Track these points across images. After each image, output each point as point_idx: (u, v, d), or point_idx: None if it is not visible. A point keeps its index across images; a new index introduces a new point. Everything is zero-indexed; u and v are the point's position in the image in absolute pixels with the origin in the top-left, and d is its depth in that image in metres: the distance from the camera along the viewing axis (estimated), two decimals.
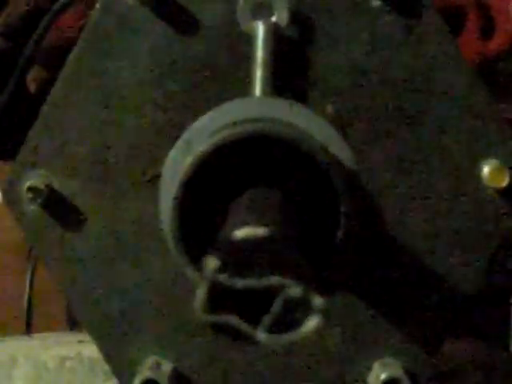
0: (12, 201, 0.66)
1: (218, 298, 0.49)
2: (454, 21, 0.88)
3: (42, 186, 0.65)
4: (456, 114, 0.66)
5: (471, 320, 0.91)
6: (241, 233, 0.50)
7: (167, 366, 0.67)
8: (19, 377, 0.85)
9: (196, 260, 0.57)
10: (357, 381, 0.67)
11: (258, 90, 0.64)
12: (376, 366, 0.67)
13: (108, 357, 0.68)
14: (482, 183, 0.66)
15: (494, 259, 0.67)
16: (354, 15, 0.65)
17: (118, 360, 0.67)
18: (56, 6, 0.83)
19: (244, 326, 0.49)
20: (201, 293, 0.49)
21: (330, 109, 0.65)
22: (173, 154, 0.65)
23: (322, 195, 0.59)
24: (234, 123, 0.61)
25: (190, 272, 0.59)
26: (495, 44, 0.89)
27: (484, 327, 0.96)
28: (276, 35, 0.64)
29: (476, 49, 0.89)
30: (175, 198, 0.59)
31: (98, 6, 0.66)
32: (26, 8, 0.88)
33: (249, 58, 0.64)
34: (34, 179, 0.66)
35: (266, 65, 0.64)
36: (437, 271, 0.66)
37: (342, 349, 0.67)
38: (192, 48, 0.65)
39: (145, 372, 0.65)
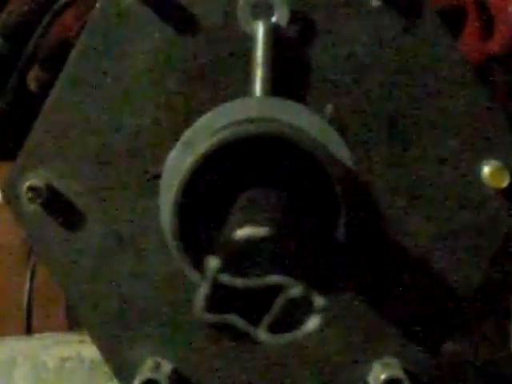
0: (12, 201, 0.66)
1: (219, 297, 0.49)
2: (454, 21, 0.88)
3: (42, 186, 0.66)
4: (456, 114, 0.66)
5: (471, 320, 0.91)
6: (242, 232, 0.50)
7: (167, 367, 0.67)
8: (19, 377, 0.85)
9: (196, 260, 0.58)
10: (357, 381, 0.67)
11: (257, 90, 0.64)
12: (376, 366, 0.67)
13: (108, 357, 0.68)
14: (482, 183, 0.66)
15: (494, 259, 0.67)
16: (354, 15, 0.65)
17: (118, 360, 0.67)
18: (56, 6, 0.83)
19: (245, 326, 0.49)
20: (202, 292, 0.49)
21: (329, 109, 0.65)
22: (173, 153, 0.65)
23: (322, 195, 0.59)
24: (234, 123, 0.61)
25: (190, 272, 0.59)
26: (495, 44, 0.89)
27: (484, 327, 0.96)
28: (276, 35, 0.64)
29: (476, 49, 0.89)
30: (175, 198, 0.59)
31: (97, 5, 0.66)
32: (26, 8, 0.88)
33: (249, 57, 0.64)
34: (33, 179, 0.66)
35: (266, 65, 0.64)
36: (437, 271, 0.66)
37: (342, 349, 0.67)
38: (192, 48, 0.65)
39: (145, 372, 0.65)
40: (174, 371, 0.67)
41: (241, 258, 0.49)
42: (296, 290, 0.48)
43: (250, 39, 0.64)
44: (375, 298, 0.66)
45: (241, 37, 0.65)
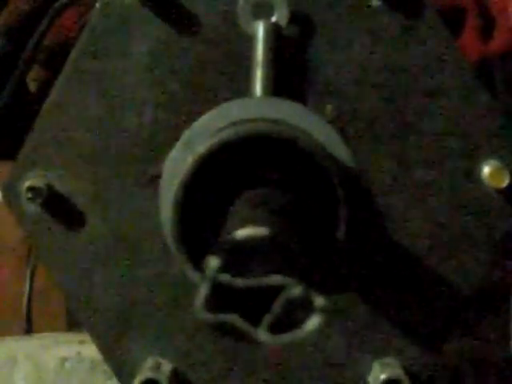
0: (12, 201, 0.66)
1: (219, 297, 0.49)
2: (454, 21, 0.89)
3: (42, 186, 0.66)
4: (456, 114, 0.66)
5: (471, 320, 0.91)
6: (242, 232, 0.50)
7: (167, 366, 0.67)
8: (19, 377, 0.85)
9: (197, 260, 0.58)
10: (357, 381, 0.67)
11: (258, 90, 0.64)
12: (376, 365, 0.67)
13: (108, 357, 0.68)
14: (482, 183, 0.66)
15: (494, 259, 0.67)
16: (354, 15, 0.65)
17: (118, 360, 0.67)
18: (56, 6, 0.83)
19: (245, 326, 0.49)
20: (202, 292, 0.49)
21: (329, 109, 0.65)
22: (173, 153, 0.65)
23: (322, 195, 0.59)
24: (235, 123, 0.61)
25: (190, 272, 0.59)
26: (495, 44, 0.89)
27: (484, 327, 0.96)
28: (276, 35, 0.64)
29: (476, 49, 0.89)
30: (176, 198, 0.59)
31: (97, 5, 0.66)
32: (26, 8, 0.88)
33: (249, 57, 0.64)
34: (33, 179, 0.66)
35: (266, 65, 0.64)
36: (437, 271, 0.66)
37: (342, 349, 0.67)
38: (192, 48, 0.65)
39: (145, 372, 0.65)
40: (174, 371, 0.67)
41: (241, 257, 0.49)
42: (296, 290, 0.48)
43: (250, 39, 0.65)
44: (375, 297, 0.66)
45: (241, 37, 0.65)
